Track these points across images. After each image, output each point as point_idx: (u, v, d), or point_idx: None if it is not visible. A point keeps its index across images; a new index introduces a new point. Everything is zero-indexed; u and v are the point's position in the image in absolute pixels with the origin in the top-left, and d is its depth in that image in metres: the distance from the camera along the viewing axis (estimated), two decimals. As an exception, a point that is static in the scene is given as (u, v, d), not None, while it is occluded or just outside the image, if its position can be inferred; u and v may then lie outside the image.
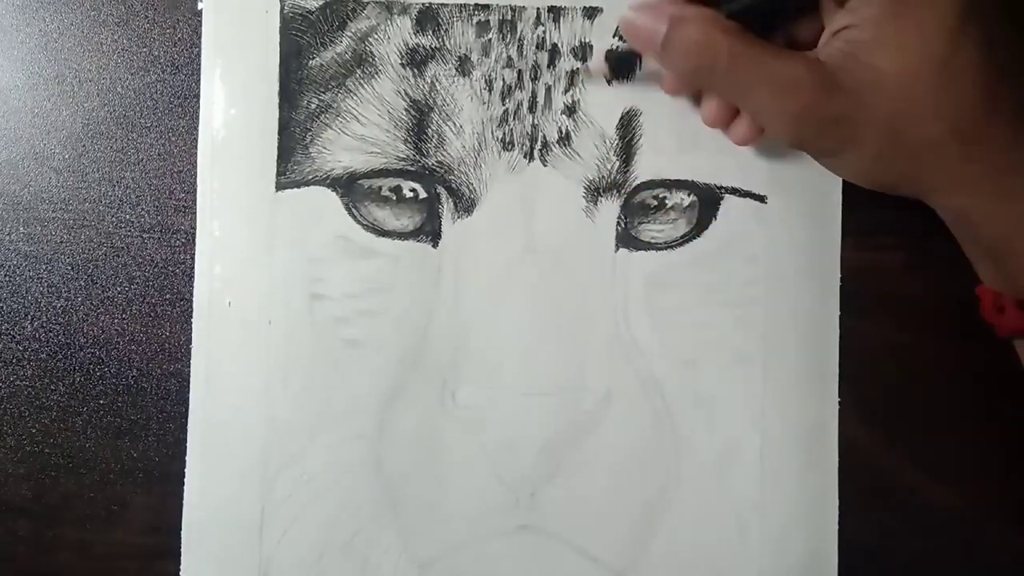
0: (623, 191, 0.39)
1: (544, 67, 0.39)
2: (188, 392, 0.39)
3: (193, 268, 0.40)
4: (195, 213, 0.40)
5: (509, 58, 0.39)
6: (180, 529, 0.39)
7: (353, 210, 0.39)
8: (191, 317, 0.39)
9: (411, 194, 0.39)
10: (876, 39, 0.31)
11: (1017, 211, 0.31)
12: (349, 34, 0.39)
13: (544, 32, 0.39)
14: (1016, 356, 0.34)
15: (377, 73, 0.39)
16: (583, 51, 0.39)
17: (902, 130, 0.31)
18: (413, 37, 0.39)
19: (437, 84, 0.39)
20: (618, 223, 0.39)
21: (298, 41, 0.39)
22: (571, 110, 0.39)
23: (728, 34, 0.32)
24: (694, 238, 0.39)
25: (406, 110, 0.39)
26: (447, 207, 0.39)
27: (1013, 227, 0.31)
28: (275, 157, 0.39)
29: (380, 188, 0.39)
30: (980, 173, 0.31)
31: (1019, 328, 0.33)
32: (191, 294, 0.40)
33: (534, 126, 0.39)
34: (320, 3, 0.39)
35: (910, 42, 0.31)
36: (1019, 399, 0.39)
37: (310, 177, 0.39)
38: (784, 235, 0.39)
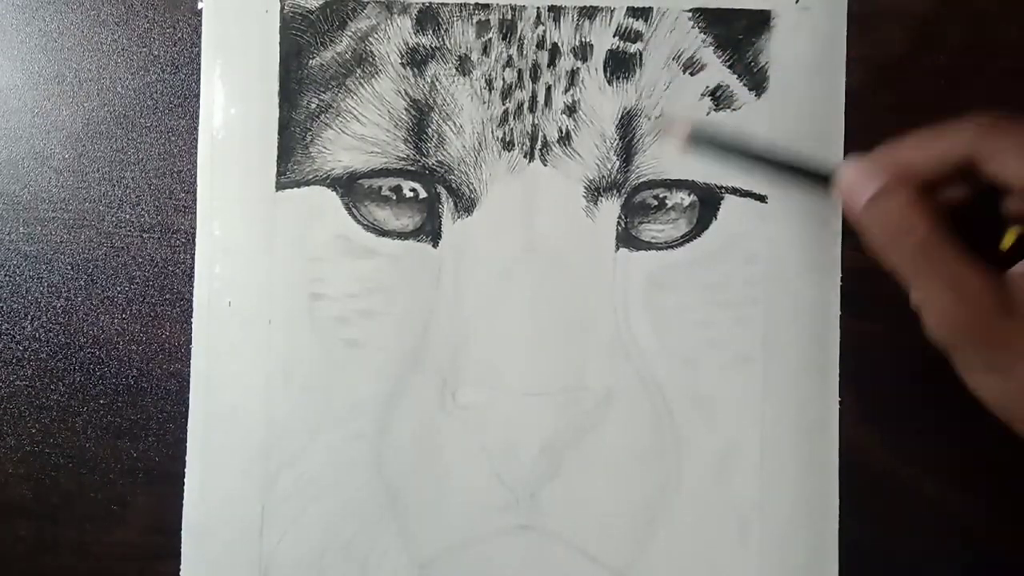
0: (623, 191, 0.39)
1: (544, 67, 0.39)
2: (188, 392, 0.39)
3: (193, 268, 0.40)
4: (195, 213, 0.40)
5: (509, 58, 0.39)
6: (180, 529, 0.39)
7: (353, 210, 0.39)
8: (191, 317, 0.39)
9: (411, 194, 0.39)
10: None
11: None
12: (349, 34, 0.39)
13: (544, 31, 0.39)
14: None
15: (377, 73, 0.39)
16: (583, 51, 0.39)
17: None
18: (413, 37, 0.39)
19: (437, 84, 0.39)
20: (618, 223, 0.39)
21: (298, 41, 0.39)
22: (571, 110, 0.39)
23: (927, 219, 0.31)
24: (694, 238, 0.39)
25: (406, 110, 0.39)
26: (447, 207, 0.39)
27: None
28: (275, 157, 0.39)
29: (380, 188, 0.39)
30: None
31: None
32: (191, 294, 0.40)
33: (534, 126, 0.39)
34: (320, 3, 0.39)
35: None
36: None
37: (310, 177, 0.39)
38: (784, 235, 0.39)
